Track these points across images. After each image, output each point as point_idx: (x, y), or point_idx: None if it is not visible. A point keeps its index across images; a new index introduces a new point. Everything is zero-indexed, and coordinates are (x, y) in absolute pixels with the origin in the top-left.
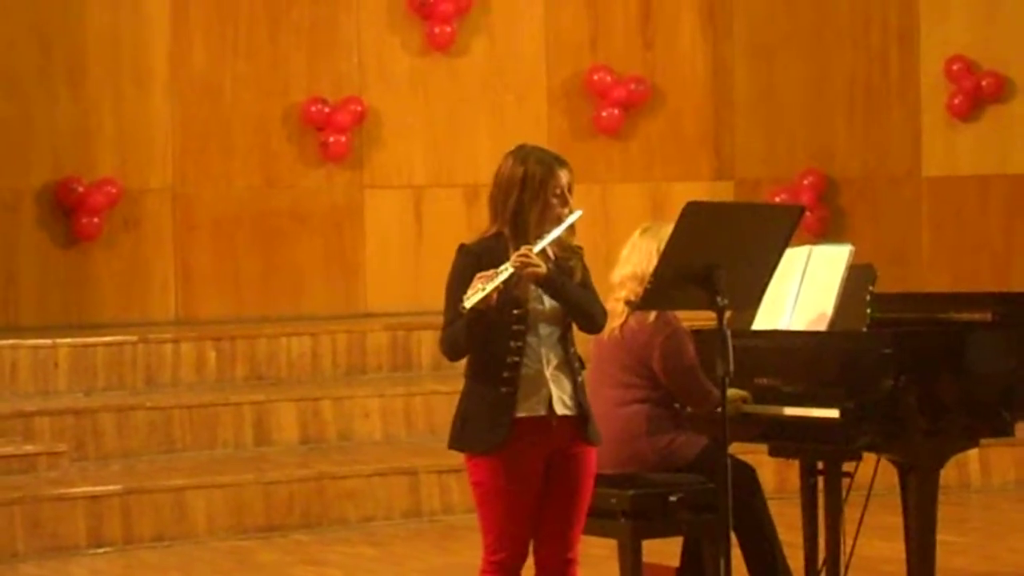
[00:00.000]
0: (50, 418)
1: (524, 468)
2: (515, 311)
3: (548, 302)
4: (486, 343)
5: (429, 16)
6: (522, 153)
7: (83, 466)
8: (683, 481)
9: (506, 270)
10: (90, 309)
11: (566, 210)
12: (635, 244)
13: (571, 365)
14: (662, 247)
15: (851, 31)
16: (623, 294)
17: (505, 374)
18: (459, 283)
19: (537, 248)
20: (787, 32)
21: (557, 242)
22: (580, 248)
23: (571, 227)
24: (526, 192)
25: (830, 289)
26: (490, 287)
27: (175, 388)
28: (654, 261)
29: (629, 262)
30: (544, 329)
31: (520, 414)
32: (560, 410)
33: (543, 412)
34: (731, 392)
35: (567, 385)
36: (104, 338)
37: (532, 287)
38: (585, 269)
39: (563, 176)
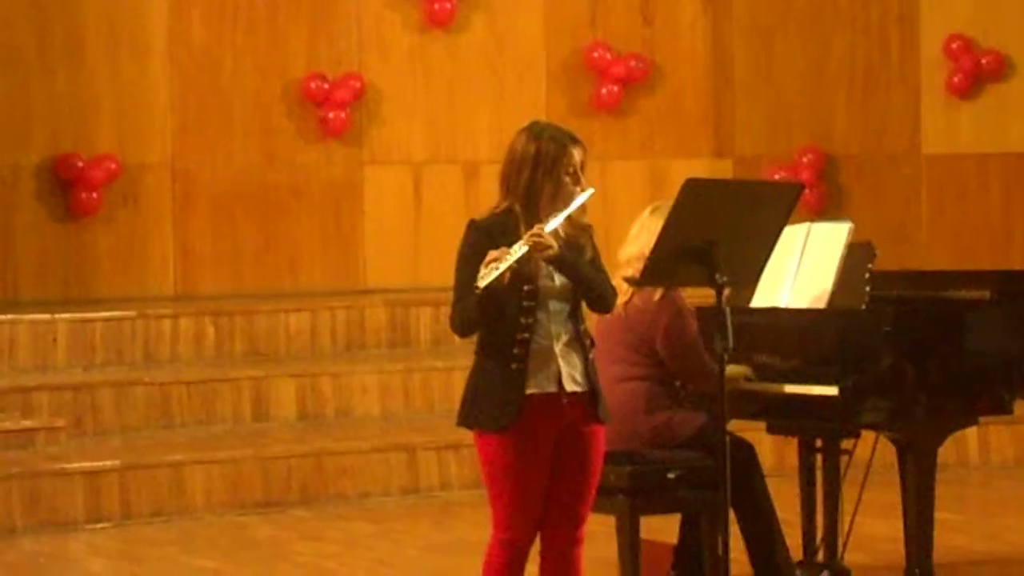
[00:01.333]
0: (49, 393)
1: (534, 446)
2: (525, 287)
3: (558, 279)
4: (496, 320)
5: None
6: (536, 130)
7: (81, 441)
8: (681, 458)
9: (519, 250)
10: (89, 284)
11: (578, 188)
12: (644, 224)
13: (581, 342)
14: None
15: (851, 8)
16: (629, 272)
17: (515, 350)
18: (469, 259)
19: (549, 227)
20: (787, 9)
21: (568, 220)
22: (590, 226)
23: (582, 205)
24: (539, 169)
25: (829, 266)
26: (503, 267)
27: (174, 364)
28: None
29: (636, 241)
30: (554, 305)
31: (530, 391)
32: (570, 387)
33: (553, 389)
34: (734, 369)
35: (577, 362)
36: (103, 313)
37: (543, 263)
38: (595, 248)
39: (576, 154)
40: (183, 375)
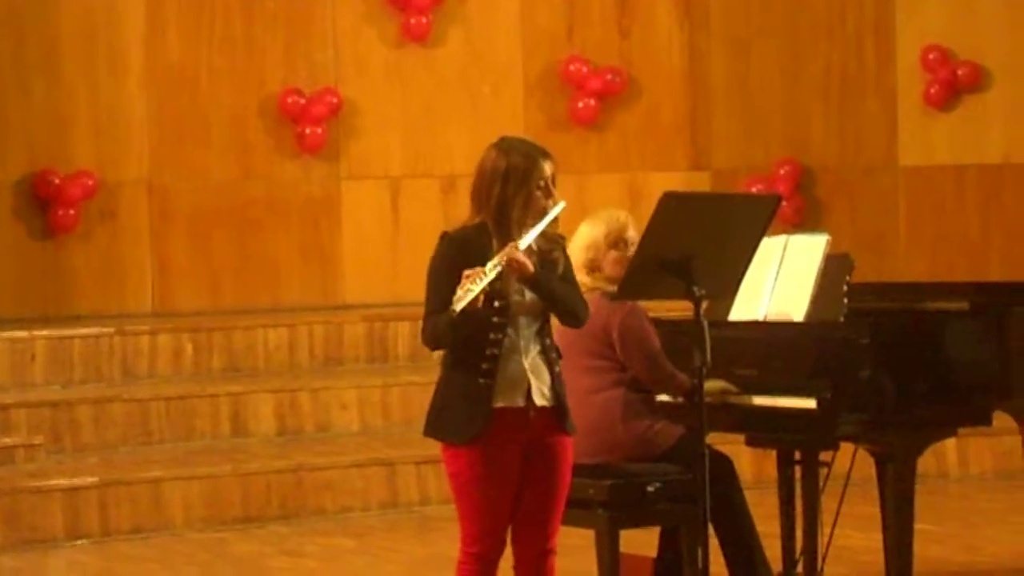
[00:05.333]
0: (27, 410)
1: (501, 459)
2: (496, 303)
3: (528, 295)
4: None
5: (405, 7)
6: (505, 145)
7: (60, 458)
8: (660, 471)
9: (493, 270)
10: (67, 301)
11: (550, 202)
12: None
13: (548, 356)
14: (602, 229)
15: (827, 20)
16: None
17: (484, 365)
18: (442, 274)
19: (523, 244)
20: (763, 22)
21: (540, 233)
22: (563, 238)
23: (555, 218)
24: (509, 184)
25: (807, 279)
26: (476, 289)
27: (152, 380)
28: (593, 237)
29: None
30: (523, 321)
31: (498, 405)
32: (540, 401)
33: (522, 403)
34: (712, 384)
35: (546, 376)
36: (81, 330)
37: (514, 279)
38: (567, 259)
39: (547, 168)
40: (161, 391)
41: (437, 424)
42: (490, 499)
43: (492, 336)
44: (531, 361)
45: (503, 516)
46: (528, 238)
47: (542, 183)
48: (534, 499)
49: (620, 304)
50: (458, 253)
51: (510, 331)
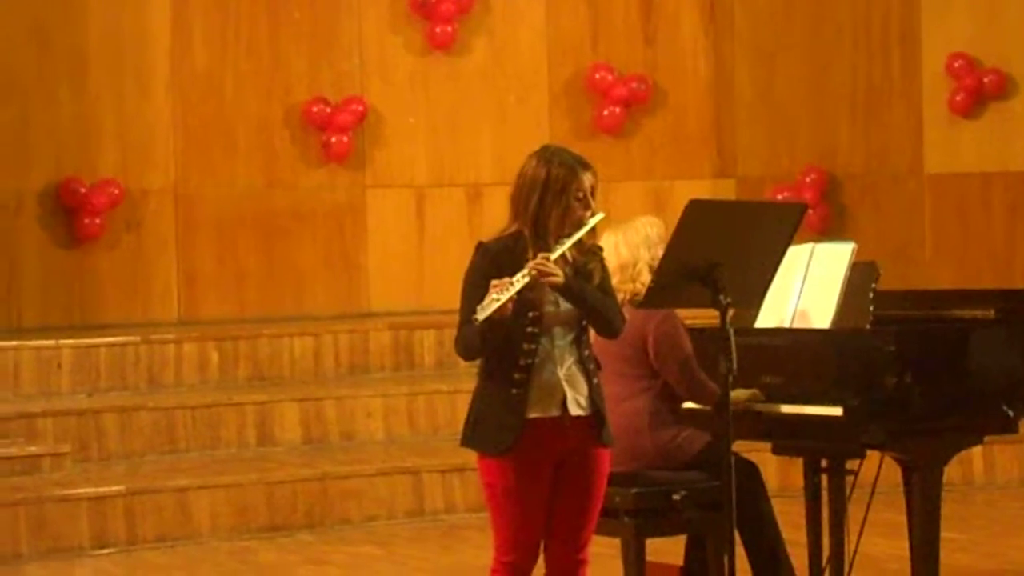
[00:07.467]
0: (53, 419)
1: (535, 470)
2: (530, 314)
3: (563, 305)
4: (500, 346)
5: (430, 16)
6: (546, 154)
7: (86, 467)
8: (687, 479)
9: (521, 279)
10: (93, 310)
11: (588, 213)
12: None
13: (586, 366)
14: (627, 238)
15: (852, 28)
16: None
17: (516, 376)
18: (474, 283)
19: (555, 255)
20: (788, 29)
21: (576, 244)
22: (600, 249)
23: (592, 229)
24: (548, 194)
25: (833, 287)
26: (504, 298)
27: (178, 388)
28: (620, 252)
29: None
30: (558, 331)
31: (532, 415)
32: (575, 411)
33: (556, 413)
34: (742, 392)
35: (583, 386)
36: (107, 339)
37: (547, 290)
38: (604, 270)
39: (586, 179)
40: (187, 400)
41: (472, 435)
42: (523, 510)
43: (525, 346)
44: (567, 371)
45: (536, 526)
46: (561, 249)
47: (580, 194)
48: (568, 509)
49: (655, 311)
50: (491, 263)
51: (544, 341)
